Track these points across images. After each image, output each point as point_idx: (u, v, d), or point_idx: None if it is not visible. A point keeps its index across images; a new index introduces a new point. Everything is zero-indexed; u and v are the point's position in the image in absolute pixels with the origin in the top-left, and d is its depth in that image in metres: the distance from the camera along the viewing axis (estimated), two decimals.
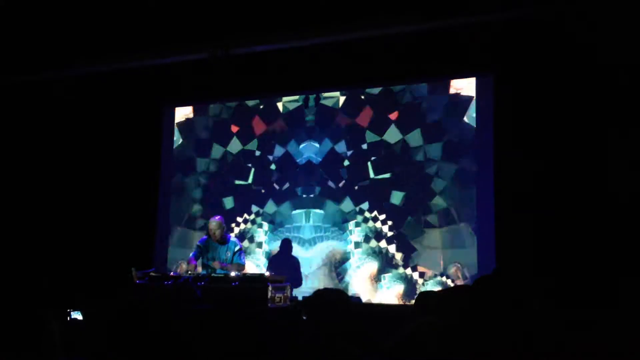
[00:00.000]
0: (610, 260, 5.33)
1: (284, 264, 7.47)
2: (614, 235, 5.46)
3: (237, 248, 6.60)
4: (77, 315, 6.14)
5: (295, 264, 7.51)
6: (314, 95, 7.66)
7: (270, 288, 5.86)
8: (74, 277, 7.54)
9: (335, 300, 2.92)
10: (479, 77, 6.87)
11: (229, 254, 6.56)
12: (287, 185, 7.79)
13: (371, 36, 6.69)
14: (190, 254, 6.71)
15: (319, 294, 3.03)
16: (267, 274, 6.19)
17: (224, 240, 6.61)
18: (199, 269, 6.58)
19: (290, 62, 7.16)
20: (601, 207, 5.58)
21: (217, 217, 6.83)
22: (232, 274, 6.22)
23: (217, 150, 8.19)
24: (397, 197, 7.17)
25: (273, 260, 7.68)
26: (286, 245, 7.65)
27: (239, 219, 8.00)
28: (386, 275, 7.13)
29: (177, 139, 8.42)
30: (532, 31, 6.21)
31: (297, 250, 7.61)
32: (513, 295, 2.55)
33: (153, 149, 8.21)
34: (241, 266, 6.54)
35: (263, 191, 7.90)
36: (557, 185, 5.94)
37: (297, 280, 7.32)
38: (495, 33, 6.34)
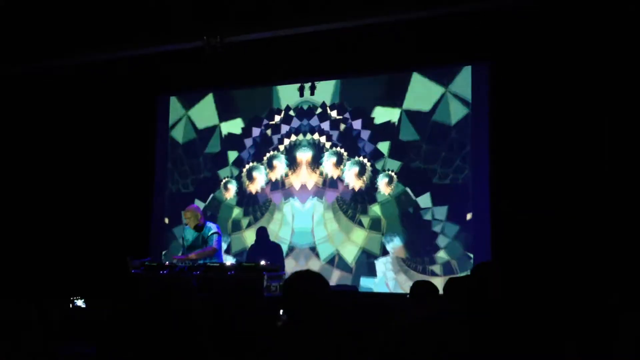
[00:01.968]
0: (611, 260, 5.35)
1: (265, 252, 7.34)
2: (614, 235, 5.46)
3: (210, 232, 6.57)
4: (80, 303, 6.16)
5: (276, 249, 7.39)
6: (310, 84, 7.62)
7: (265, 277, 5.89)
8: (71, 268, 7.55)
9: (310, 288, 2.71)
10: (474, 66, 6.82)
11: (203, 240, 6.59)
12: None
13: (367, 24, 6.64)
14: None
15: (290, 282, 2.70)
16: (262, 262, 6.18)
17: (200, 227, 6.62)
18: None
19: (284, 51, 7.11)
20: (602, 206, 5.57)
21: (190, 206, 6.87)
22: (227, 263, 6.25)
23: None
24: None
25: (252, 250, 7.54)
26: (262, 233, 7.53)
27: None
28: None
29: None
30: (530, 20, 6.15)
31: None
32: (512, 294, 2.57)
33: (148, 137, 8.16)
34: (206, 251, 6.46)
35: None
36: (556, 184, 5.90)
37: (281, 266, 7.13)
38: (492, 21, 6.30)
